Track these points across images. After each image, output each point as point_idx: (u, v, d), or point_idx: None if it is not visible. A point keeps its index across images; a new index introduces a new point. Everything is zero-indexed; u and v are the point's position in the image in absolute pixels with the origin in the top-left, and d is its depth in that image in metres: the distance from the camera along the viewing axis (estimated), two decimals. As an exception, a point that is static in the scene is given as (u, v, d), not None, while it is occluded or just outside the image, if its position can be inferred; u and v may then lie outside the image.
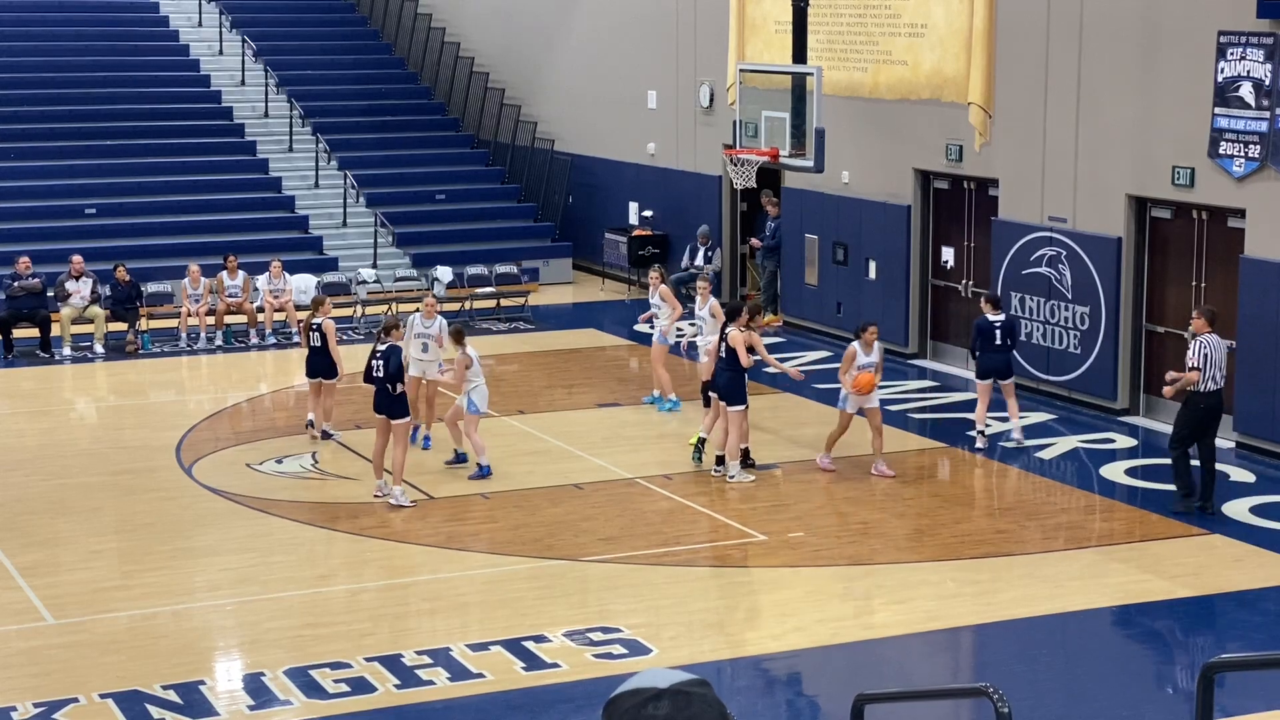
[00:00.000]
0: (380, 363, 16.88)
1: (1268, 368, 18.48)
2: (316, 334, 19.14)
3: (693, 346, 20.83)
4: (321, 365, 19.20)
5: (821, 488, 17.66)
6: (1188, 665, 13.24)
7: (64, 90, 30.92)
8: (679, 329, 21.57)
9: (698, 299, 20.02)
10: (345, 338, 24.36)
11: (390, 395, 16.85)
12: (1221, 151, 18.76)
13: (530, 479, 17.81)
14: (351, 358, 20.20)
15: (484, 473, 17.79)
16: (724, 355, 17.60)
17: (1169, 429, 19.65)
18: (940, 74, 22.66)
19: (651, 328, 21.21)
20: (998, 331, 18.84)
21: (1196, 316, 16.97)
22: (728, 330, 17.64)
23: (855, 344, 17.87)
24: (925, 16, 22.86)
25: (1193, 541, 16.13)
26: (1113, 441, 19.46)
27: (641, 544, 15.88)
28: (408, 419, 17.01)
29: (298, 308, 24.92)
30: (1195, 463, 16.69)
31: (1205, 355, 16.48)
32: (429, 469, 18.15)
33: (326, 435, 19.45)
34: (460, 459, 18.19)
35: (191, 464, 18.60)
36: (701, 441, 18.31)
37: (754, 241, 27.10)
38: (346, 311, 25.88)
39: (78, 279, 24.68)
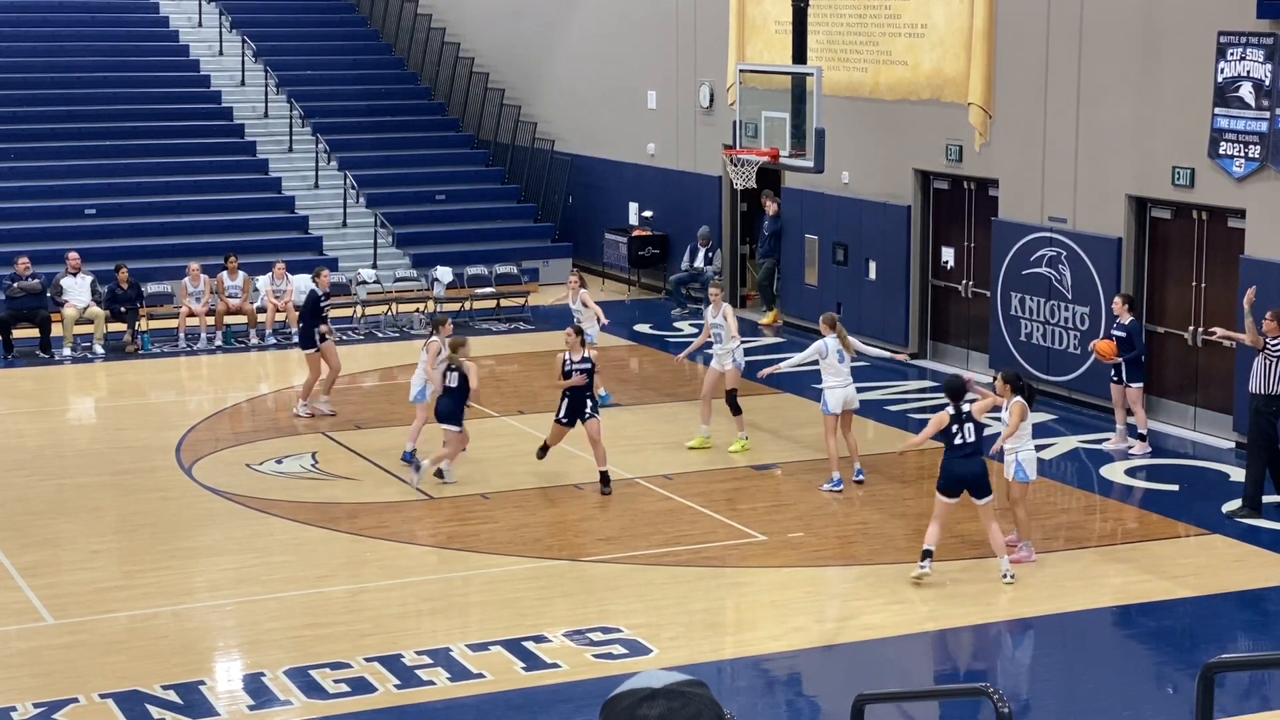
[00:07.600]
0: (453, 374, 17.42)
1: (1268, 368, 18.43)
2: (455, 374, 17.42)
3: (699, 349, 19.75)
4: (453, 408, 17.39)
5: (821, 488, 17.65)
6: (1188, 665, 13.22)
7: (64, 90, 30.91)
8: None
9: (710, 306, 19.09)
10: (345, 338, 24.38)
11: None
12: (1221, 152, 18.75)
13: (530, 479, 17.80)
14: (351, 357, 20.24)
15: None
16: None
17: (1171, 429, 19.69)
18: (940, 74, 22.66)
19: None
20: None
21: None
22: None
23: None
24: (925, 17, 22.86)
25: (1193, 542, 16.14)
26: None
27: (641, 544, 15.88)
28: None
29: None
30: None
31: None
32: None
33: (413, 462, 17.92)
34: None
35: (191, 464, 18.60)
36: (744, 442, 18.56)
37: (757, 243, 27.12)
38: (346, 312, 25.89)
39: (74, 276, 24.70)
